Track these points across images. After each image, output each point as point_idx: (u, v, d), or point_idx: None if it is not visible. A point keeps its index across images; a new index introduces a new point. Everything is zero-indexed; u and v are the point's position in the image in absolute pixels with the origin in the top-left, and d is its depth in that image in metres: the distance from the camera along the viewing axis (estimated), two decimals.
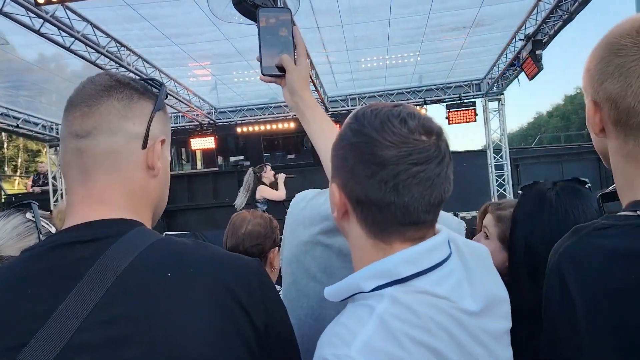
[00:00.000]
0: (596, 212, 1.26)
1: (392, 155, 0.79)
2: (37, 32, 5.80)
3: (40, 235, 1.36)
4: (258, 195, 6.85)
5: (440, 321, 0.77)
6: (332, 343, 0.76)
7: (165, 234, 0.88)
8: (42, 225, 1.40)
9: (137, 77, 0.98)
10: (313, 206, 1.12)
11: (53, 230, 1.42)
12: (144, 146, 0.91)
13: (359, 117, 0.86)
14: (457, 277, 0.83)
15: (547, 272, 0.91)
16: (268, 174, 7.05)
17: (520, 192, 1.48)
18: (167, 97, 1.00)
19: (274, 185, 7.07)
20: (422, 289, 0.79)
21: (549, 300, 0.90)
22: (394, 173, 0.78)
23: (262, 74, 1.25)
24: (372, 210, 0.82)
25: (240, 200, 7.02)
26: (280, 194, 6.87)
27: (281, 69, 1.23)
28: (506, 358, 0.87)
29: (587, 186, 1.42)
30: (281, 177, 7.08)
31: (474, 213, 10.39)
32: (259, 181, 6.97)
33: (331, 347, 0.75)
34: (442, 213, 1.14)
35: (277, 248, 2.14)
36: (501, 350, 0.85)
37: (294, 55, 1.24)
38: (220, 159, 15.18)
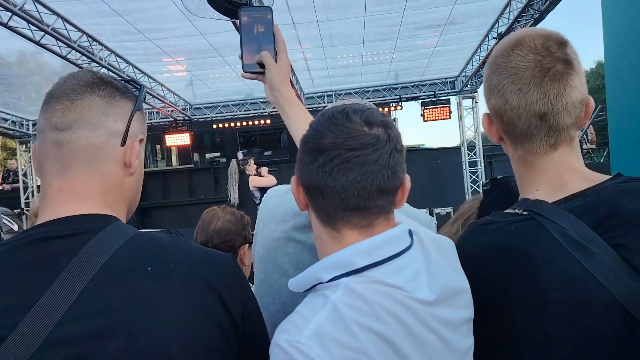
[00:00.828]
0: None
1: (329, 142, 0.84)
2: (5, 25, 5.67)
3: (2, 233, 1.36)
4: (251, 186, 6.96)
5: (391, 309, 0.80)
6: (286, 330, 0.80)
7: (140, 231, 0.89)
8: (4, 223, 1.39)
9: (118, 77, 1.01)
10: (286, 202, 1.13)
11: (15, 227, 1.42)
12: (123, 143, 0.94)
13: (316, 116, 0.92)
14: (416, 268, 0.87)
15: None
16: (251, 167, 7.14)
17: (483, 187, 1.53)
18: (145, 98, 1.01)
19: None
20: (376, 279, 0.82)
21: None
22: (329, 158, 0.84)
23: (244, 70, 1.29)
24: (317, 195, 0.88)
25: (234, 195, 7.08)
26: (269, 180, 6.97)
27: (262, 65, 1.27)
28: (463, 346, 0.90)
29: None
30: (264, 169, 7.19)
31: (449, 209, 10.56)
32: (242, 173, 7.06)
33: (285, 333, 0.79)
34: (414, 210, 1.19)
35: (247, 245, 2.15)
36: (457, 339, 0.88)
37: (275, 52, 1.28)
38: (196, 156, 15.05)
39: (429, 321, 0.83)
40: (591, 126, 12.29)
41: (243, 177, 7.16)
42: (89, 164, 0.90)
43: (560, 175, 1.00)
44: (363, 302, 0.79)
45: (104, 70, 6.01)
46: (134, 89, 1.00)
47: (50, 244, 0.81)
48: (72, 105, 0.90)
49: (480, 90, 11.01)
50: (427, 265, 0.88)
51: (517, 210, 0.99)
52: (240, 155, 7.40)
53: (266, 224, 1.15)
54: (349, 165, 0.84)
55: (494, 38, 8.18)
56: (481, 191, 1.56)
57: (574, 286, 0.88)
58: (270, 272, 1.10)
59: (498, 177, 1.53)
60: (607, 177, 0.99)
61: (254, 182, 7.00)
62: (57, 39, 6.36)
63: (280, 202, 1.16)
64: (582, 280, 0.87)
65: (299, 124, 1.23)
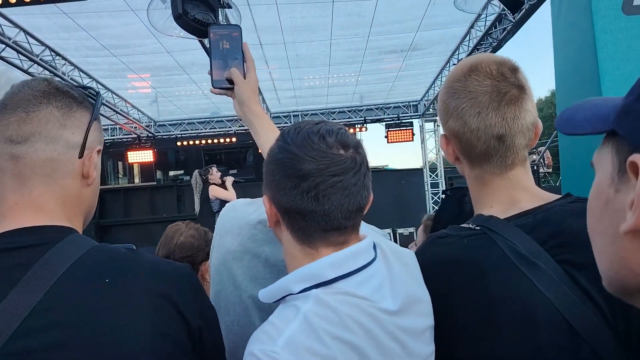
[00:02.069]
0: None
1: (312, 168, 0.87)
2: None
3: None
4: (211, 195, 6.81)
5: (359, 319, 0.84)
6: (260, 339, 0.82)
7: (98, 244, 0.89)
8: None
9: (74, 85, 0.98)
10: (242, 215, 1.14)
11: None
12: (81, 155, 0.91)
13: (284, 135, 0.94)
14: (380, 279, 0.92)
15: None
16: (214, 175, 7.00)
17: (442, 195, 1.60)
18: (101, 105, 1.01)
19: (222, 188, 7.05)
20: (344, 290, 0.86)
21: None
22: (314, 184, 0.87)
23: (213, 86, 1.32)
24: (297, 218, 0.90)
25: (196, 205, 6.97)
26: (230, 194, 6.82)
27: (231, 81, 1.30)
28: (424, 353, 0.94)
29: None
30: (229, 180, 7.07)
31: (412, 229, 10.69)
32: (205, 182, 6.93)
33: (259, 343, 0.81)
34: (370, 227, 1.23)
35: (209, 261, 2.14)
36: (419, 346, 0.93)
37: (244, 69, 1.31)
38: (159, 173, 14.83)
39: (392, 330, 0.87)
40: (547, 151, 12.76)
41: (206, 188, 7.00)
42: (47, 178, 0.88)
43: (513, 193, 1.05)
44: (332, 313, 0.83)
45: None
46: (91, 97, 0.98)
47: (5, 255, 0.80)
48: (28, 117, 0.87)
49: None
50: (389, 277, 0.93)
51: (470, 225, 1.04)
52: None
53: (222, 236, 1.16)
54: (333, 190, 0.87)
55: (454, 64, 8.45)
56: (443, 197, 1.62)
57: (520, 298, 0.92)
58: (225, 283, 1.11)
59: (457, 186, 1.59)
60: (557, 196, 1.04)
61: (214, 191, 6.82)
62: (18, 52, 6.23)
63: (237, 215, 1.17)
64: (528, 293, 0.91)
65: (267, 139, 1.24)
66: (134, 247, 0.95)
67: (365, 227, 1.04)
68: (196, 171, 7.18)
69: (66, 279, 0.79)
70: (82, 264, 0.81)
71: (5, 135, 0.86)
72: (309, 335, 0.80)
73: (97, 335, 0.76)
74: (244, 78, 1.30)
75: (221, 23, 4.79)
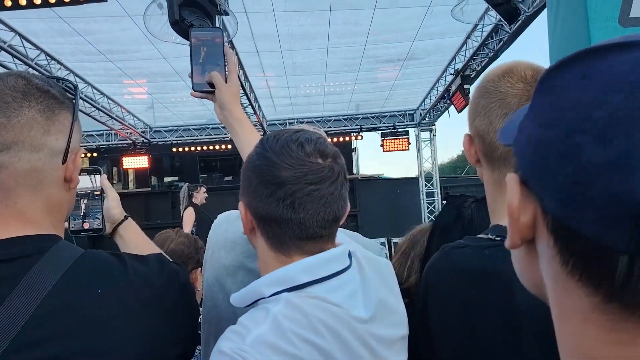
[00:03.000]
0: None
1: (289, 175, 0.87)
2: None
3: None
4: (185, 217, 6.70)
5: (329, 323, 0.84)
6: (229, 338, 0.83)
7: (86, 251, 0.88)
8: None
9: (49, 76, 0.92)
10: (236, 229, 1.12)
11: None
12: (65, 160, 0.88)
13: (263, 142, 0.94)
14: (353, 287, 0.91)
15: (420, 283, 1.03)
16: (200, 195, 6.93)
17: (444, 201, 1.58)
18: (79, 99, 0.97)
19: (202, 208, 6.93)
20: (315, 295, 0.86)
21: (416, 308, 1.03)
22: (290, 192, 0.86)
23: (193, 89, 1.30)
24: (272, 225, 0.90)
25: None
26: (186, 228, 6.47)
27: (212, 85, 1.28)
28: None
29: None
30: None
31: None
32: (189, 200, 6.86)
33: (229, 341, 0.82)
34: (364, 239, 1.22)
35: (200, 269, 2.12)
36: (391, 355, 0.93)
37: (225, 72, 1.29)
38: (154, 179, 14.78)
39: (364, 336, 0.87)
40: None
41: (188, 205, 6.86)
42: (32, 189, 0.84)
43: None
44: (302, 316, 0.83)
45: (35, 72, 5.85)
46: (68, 92, 0.93)
47: None
48: (10, 123, 0.81)
49: (438, 123, 11.40)
50: (363, 285, 0.93)
51: (490, 236, 1.01)
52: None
53: (215, 250, 1.15)
54: (309, 198, 0.87)
55: (451, 74, 8.49)
56: (444, 202, 1.60)
57: (545, 312, 0.90)
58: (219, 300, 1.10)
59: (457, 194, 1.57)
60: None
61: (187, 217, 6.62)
62: (13, 56, 6.20)
63: (230, 228, 1.15)
64: None
65: (247, 143, 1.24)
66: (121, 253, 0.94)
67: (342, 235, 1.03)
68: (186, 185, 7.14)
69: (57, 291, 0.76)
70: (72, 274, 0.79)
71: None
72: (278, 335, 0.81)
73: (92, 347, 0.75)
74: (225, 81, 1.29)
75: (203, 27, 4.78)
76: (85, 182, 1.25)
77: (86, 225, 1.25)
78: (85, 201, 1.26)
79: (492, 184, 1.08)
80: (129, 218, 1.32)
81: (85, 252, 0.85)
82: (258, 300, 0.89)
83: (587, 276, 0.40)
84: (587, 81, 0.40)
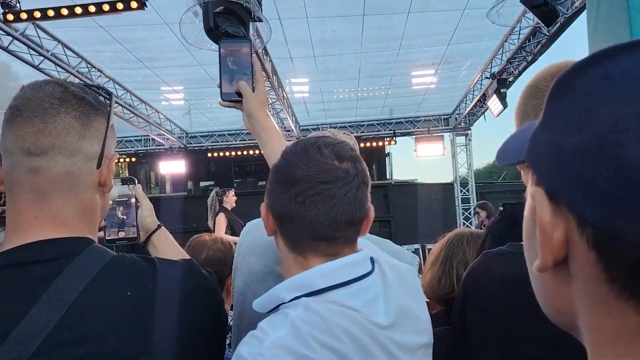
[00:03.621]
0: None
1: (302, 174, 0.89)
2: (5, 49, 5.74)
3: None
4: (216, 223, 6.61)
5: (348, 328, 0.83)
6: (248, 342, 0.84)
7: (117, 255, 0.89)
8: None
9: (85, 85, 0.94)
10: (265, 234, 1.12)
11: None
12: (99, 165, 0.90)
13: (287, 148, 0.97)
14: (373, 292, 0.91)
15: (458, 289, 1.00)
16: (230, 199, 6.91)
17: (500, 207, 1.54)
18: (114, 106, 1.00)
19: (234, 212, 6.89)
20: (334, 300, 0.86)
21: (453, 316, 1.01)
22: (302, 189, 0.88)
23: (222, 99, 1.34)
24: (286, 223, 0.92)
25: (211, 225, 6.88)
26: (230, 237, 6.40)
27: (239, 94, 1.32)
28: None
29: None
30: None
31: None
32: (220, 205, 6.85)
33: (247, 345, 0.83)
34: (396, 247, 1.20)
35: None
36: None
37: (252, 82, 1.32)
38: (190, 184, 15.04)
39: (384, 342, 0.86)
40: None
41: (219, 211, 6.76)
42: (67, 192, 0.86)
43: None
44: (320, 320, 0.83)
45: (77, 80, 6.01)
46: (104, 99, 0.95)
47: (27, 269, 0.79)
48: (46, 128, 0.83)
49: (474, 127, 11.20)
50: (385, 291, 0.92)
51: None
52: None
53: (245, 257, 1.15)
54: (320, 197, 0.88)
55: (487, 78, 8.34)
56: (500, 209, 1.52)
57: None
58: (248, 306, 1.08)
59: (511, 202, 1.53)
60: None
61: (219, 223, 6.50)
62: (56, 64, 6.43)
63: (260, 235, 1.14)
64: None
65: (274, 151, 1.26)
66: (151, 257, 0.95)
67: (365, 241, 1.03)
68: (214, 191, 7.15)
69: (89, 293, 0.78)
70: (103, 277, 0.81)
71: (23, 147, 0.83)
72: (295, 339, 0.81)
73: (121, 349, 0.76)
74: (252, 91, 1.32)
75: (250, 37, 4.84)
76: (121, 191, 1.29)
77: (121, 234, 1.28)
78: (121, 210, 1.29)
79: None
80: (162, 227, 1.35)
81: (116, 256, 0.87)
82: (279, 305, 0.90)
83: (639, 294, 0.37)
84: (611, 80, 0.39)
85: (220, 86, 1.33)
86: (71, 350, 0.73)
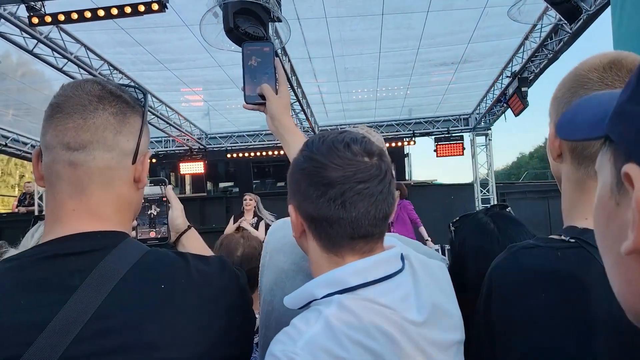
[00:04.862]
0: (525, 233, 1.34)
1: (339, 175, 0.88)
2: (31, 52, 5.86)
3: None
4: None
5: (382, 326, 0.83)
6: (281, 341, 0.84)
7: (151, 249, 0.92)
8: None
9: (121, 84, 0.99)
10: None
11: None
12: (134, 161, 0.93)
13: (309, 145, 0.95)
14: (405, 290, 0.90)
15: (483, 282, 0.97)
16: (249, 204, 7.36)
17: (453, 226, 1.47)
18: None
19: (255, 214, 7.41)
20: (367, 297, 0.86)
21: (477, 310, 0.98)
22: (341, 191, 0.87)
23: (246, 102, 1.35)
24: (324, 226, 0.90)
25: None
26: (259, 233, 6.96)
27: (263, 97, 1.32)
28: None
29: (507, 209, 1.48)
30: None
31: None
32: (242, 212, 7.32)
33: (280, 344, 0.83)
34: (426, 249, 1.20)
35: None
36: (446, 359, 0.91)
37: (275, 85, 1.33)
38: (209, 185, 15.18)
39: (418, 340, 0.86)
40: None
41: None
42: (104, 186, 0.89)
43: None
44: (354, 318, 0.83)
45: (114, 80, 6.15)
46: (139, 98, 0.99)
47: (64, 260, 0.82)
48: (86, 124, 0.87)
49: (495, 127, 11.09)
50: (416, 289, 0.92)
51: (563, 237, 0.95)
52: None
53: (273, 255, 1.15)
54: (360, 197, 0.88)
55: (507, 77, 8.25)
56: (452, 229, 1.47)
57: (624, 324, 0.83)
58: (278, 304, 1.09)
59: (464, 214, 1.49)
60: None
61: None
62: (79, 66, 6.55)
63: (287, 233, 1.14)
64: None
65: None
66: (184, 252, 0.97)
67: (393, 239, 1.03)
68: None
69: (124, 284, 0.81)
70: (138, 269, 0.84)
71: (63, 142, 0.87)
72: (329, 338, 0.81)
73: (155, 340, 0.78)
74: (276, 93, 1.32)
75: (270, 38, 4.86)
76: (152, 191, 1.32)
77: (152, 234, 1.31)
78: (153, 210, 1.32)
79: (574, 183, 1.00)
80: (192, 228, 1.36)
81: (151, 250, 0.89)
82: (310, 302, 0.90)
83: None
84: None
85: (243, 89, 1.33)
86: (107, 340, 0.75)
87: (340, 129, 1.03)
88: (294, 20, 5.80)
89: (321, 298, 0.88)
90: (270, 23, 4.74)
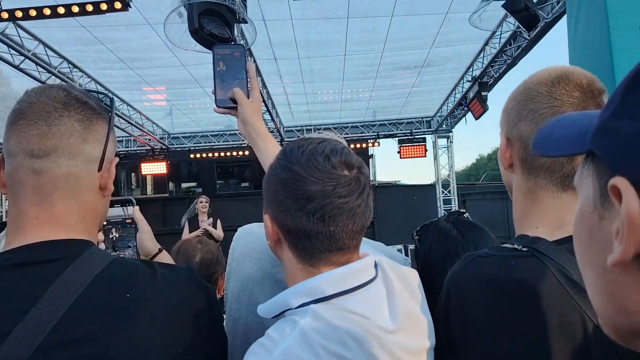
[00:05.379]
0: (486, 237, 1.38)
1: (318, 189, 0.86)
2: None
3: None
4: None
5: (355, 335, 0.83)
6: (256, 352, 0.83)
7: (116, 257, 0.90)
8: None
9: (88, 90, 0.97)
10: (260, 239, 1.12)
11: None
12: (100, 168, 0.92)
13: (287, 153, 0.93)
14: (379, 297, 0.91)
15: (440, 294, 1.01)
16: (204, 206, 7.74)
17: (415, 236, 1.49)
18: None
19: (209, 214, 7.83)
20: (342, 307, 0.86)
21: (437, 317, 1.00)
22: (320, 206, 0.86)
23: (217, 105, 1.32)
24: (301, 238, 0.89)
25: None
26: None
27: (234, 101, 1.30)
28: None
29: (465, 215, 1.53)
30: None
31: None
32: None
33: (255, 355, 0.82)
34: (389, 249, 1.21)
35: (224, 272, 2.15)
36: None
37: (247, 88, 1.31)
38: (171, 185, 14.92)
39: (391, 347, 0.87)
40: None
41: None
42: (69, 193, 0.88)
43: (561, 215, 0.98)
44: (329, 328, 0.83)
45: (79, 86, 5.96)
46: (105, 104, 0.97)
47: (27, 269, 0.80)
48: (50, 131, 0.86)
49: (456, 130, 11.32)
50: (389, 296, 0.93)
51: (515, 246, 0.97)
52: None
53: (240, 262, 1.14)
54: (339, 212, 0.87)
55: (468, 81, 8.45)
56: (416, 238, 1.48)
57: (574, 330, 0.86)
58: (244, 310, 1.09)
59: (425, 223, 1.51)
60: None
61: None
62: (37, 64, 6.33)
63: (254, 240, 1.15)
64: (582, 325, 0.85)
65: (270, 158, 1.26)
66: (151, 261, 0.95)
67: (368, 246, 1.03)
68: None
69: (88, 294, 0.79)
70: (103, 279, 0.82)
71: (27, 149, 0.85)
72: (305, 348, 0.80)
73: (119, 350, 0.77)
74: (248, 97, 1.30)
75: (236, 39, 4.84)
76: (114, 213, 1.26)
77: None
78: (117, 231, 1.27)
79: (525, 193, 1.03)
80: (164, 250, 1.33)
81: (116, 259, 0.88)
82: (285, 311, 0.90)
83: None
84: None
85: (214, 92, 1.31)
86: (69, 352, 0.74)
87: (311, 134, 1.02)
88: (259, 21, 5.79)
89: (296, 307, 0.87)
90: (235, 24, 4.72)
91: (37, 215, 0.86)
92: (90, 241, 0.90)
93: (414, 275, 1.03)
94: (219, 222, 7.82)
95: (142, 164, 11.00)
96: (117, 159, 0.99)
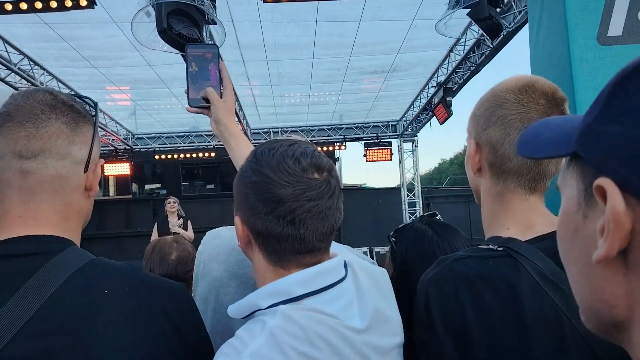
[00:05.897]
0: (460, 237, 1.42)
1: (288, 193, 0.87)
2: None
3: None
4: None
5: (325, 335, 0.84)
6: (226, 353, 0.83)
7: (96, 257, 0.91)
8: None
9: (72, 94, 0.99)
10: (228, 241, 1.14)
11: None
12: (86, 169, 0.94)
13: (257, 156, 0.94)
14: (348, 297, 0.92)
15: (417, 297, 1.02)
16: (173, 207, 7.66)
17: (392, 238, 1.52)
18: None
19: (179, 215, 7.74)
20: (311, 307, 0.86)
21: (418, 322, 1.01)
22: (290, 209, 0.87)
23: (189, 105, 1.32)
24: (271, 241, 0.90)
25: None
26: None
27: (207, 100, 1.30)
28: None
29: (437, 217, 1.55)
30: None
31: (388, 248, 10.68)
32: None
33: (225, 356, 0.82)
34: (356, 253, 1.23)
35: None
36: None
37: (220, 89, 1.31)
38: (135, 186, 14.65)
39: (360, 347, 0.88)
40: None
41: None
42: (54, 194, 0.89)
43: (530, 216, 1.03)
44: (299, 329, 0.83)
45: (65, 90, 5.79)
46: (89, 107, 0.99)
47: (6, 261, 0.81)
48: (38, 133, 0.87)
49: (421, 134, 11.53)
50: (358, 296, 0.94)
51: (491, 246, 1.00)
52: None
53: (207, 263, 1.14)
54: (309, 215, 0.88)
55: (433, 87, 8.63)
56: (392, 241, 1.51)
57: (551, 324, 0.90)
58: (212, 312, 1.09)
59: (400, 226, 1.54)
60: None
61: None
62: None
63: (221, 242, 1.15)
64: (557, 319, 0.89)
65: (243, 157, 1.27)
66: (133, 264, 0.96)
67: (338, 247, 1.04)
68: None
69: (66, 288, 0.80)
70: (82, 274, 0.83)
71: (14, 150, 0.87)
72: (274, 349, 0.81)
73: (93, 345, 0.77)
74: (221, 97, 1.31)
75: (204, 40, 4.81)
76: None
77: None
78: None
79: (494, 196, 1.07)
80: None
81: (96, 258, 0.89)
82: (255, 311, 0.90)
83: None
84: None
85: (187, 92, 1.31)
86: (45, 341, 0.75)
87: (283, 137, 1.02)
88: (228, 22, 5.77)
89: (266, 308, 0.87)
90: (204, 25, 4.69)
91: (21, 214, 0.87)
92: (71, 241, 0.90)
93: (384, 274, 1.04)
94: (189, 223, 7.67)
95: (105, 165, 10.75)
96: (102, 161, 1.01)
